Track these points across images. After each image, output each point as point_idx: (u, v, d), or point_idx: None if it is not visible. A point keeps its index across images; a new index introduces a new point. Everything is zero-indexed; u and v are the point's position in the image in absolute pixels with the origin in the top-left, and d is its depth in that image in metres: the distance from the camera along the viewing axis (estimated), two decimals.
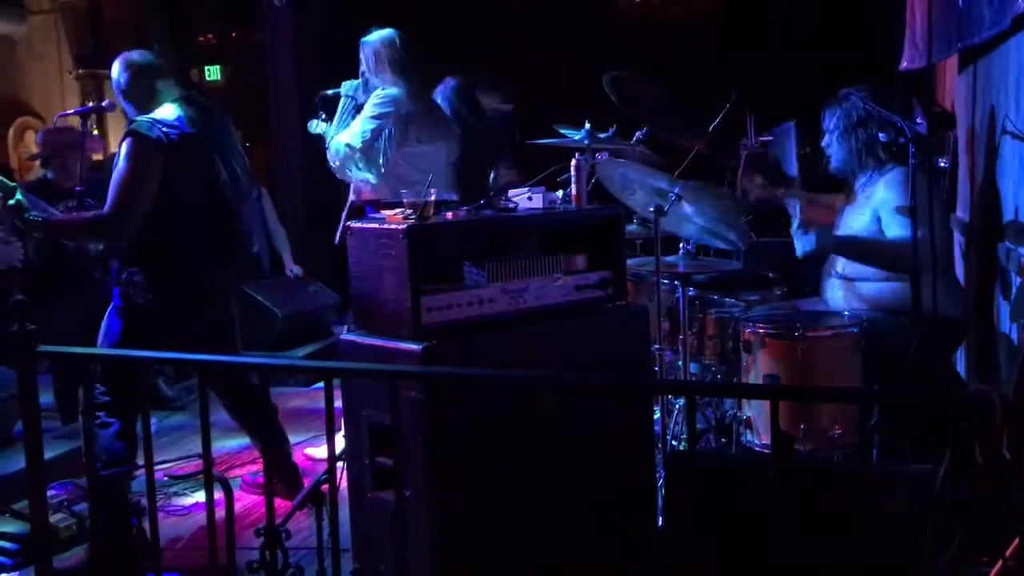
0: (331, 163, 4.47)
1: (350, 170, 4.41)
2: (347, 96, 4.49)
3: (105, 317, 3.69)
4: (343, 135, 4.39)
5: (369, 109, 4.36)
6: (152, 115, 3.63)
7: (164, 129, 3.56)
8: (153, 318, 3.59)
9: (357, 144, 4.32)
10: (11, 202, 3.55)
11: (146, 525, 2.95)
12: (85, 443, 3.62)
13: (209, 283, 3.76)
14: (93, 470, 3.58)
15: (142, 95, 3.75)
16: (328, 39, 8.13)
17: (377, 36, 4.46)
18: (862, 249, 3.73)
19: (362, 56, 4.49)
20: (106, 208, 3.53)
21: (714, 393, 4.05)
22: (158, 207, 3.54)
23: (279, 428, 4.21)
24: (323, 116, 4.59)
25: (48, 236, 4.59)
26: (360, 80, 4.50)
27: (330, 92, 4.57)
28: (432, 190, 2.96)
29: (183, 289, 3.66)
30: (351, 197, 4.57)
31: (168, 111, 3.67)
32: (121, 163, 3.53)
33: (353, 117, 4.44)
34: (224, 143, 3.82)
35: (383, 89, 4.39)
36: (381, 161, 4.33)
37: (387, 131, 4.31)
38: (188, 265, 3.65)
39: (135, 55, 3.83)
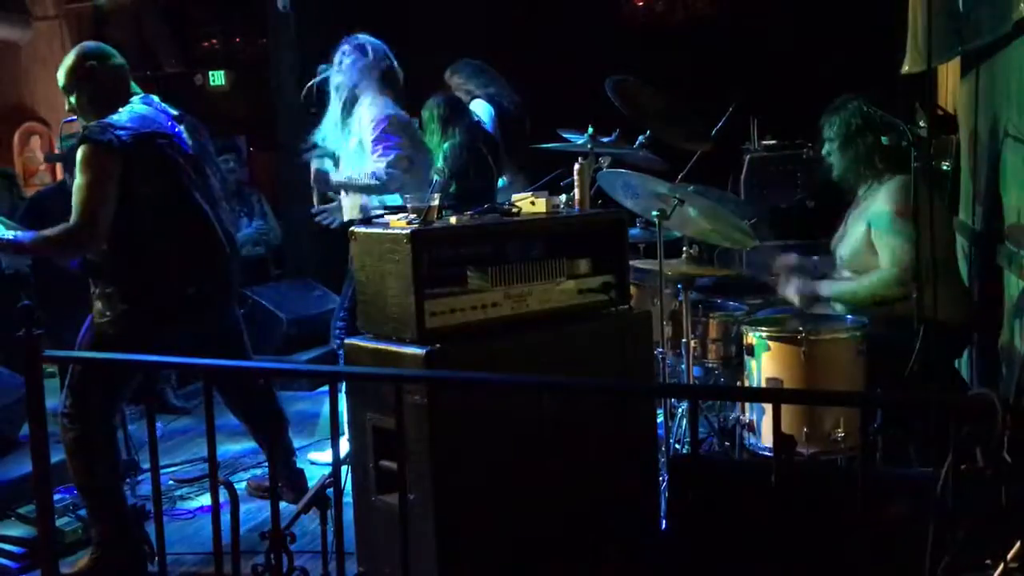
0: (315, 182, 4.51)
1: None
2: (330, 91, 4.52)
3: (83, 328, 3.63)
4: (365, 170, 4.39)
5: (386, 140, 4.38)
6: (105, 119, 3.49)
7: (116, 132, 3.43)
8: (130, 329, 3.50)
9: (384, 178, 4.34)
10: None
11: (151, 529, 2.97)
12: (66, 453, 3.56)
13: (185, 291, 3.61)
14: (81, 478, 3.56)
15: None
16: (332, 44, 8.15)
17: (369, 40, 4.49)
18: (844, 301, 3.80)
19: (347, 50, 4.51)
20: (71, 220, 3.41)
21: (717, 396, 4.04)
22: (121, 214, 3.43)
23: (286, 432, 4.22)
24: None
25: (20, 255, 4.51)
26: (334, 70, 4.52)
27: (316, 80, 4.60)
28: (435, 195, 2.97)
29: (158, 299, 3.55)
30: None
31: (121, 113, 3.54)
32: (78, 173, 3.42)
33: (345, 117, 4.46)
34: (192, 146, 3.69)
35: (387, 111, 4.40)
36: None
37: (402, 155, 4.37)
38: (160, 274, 3.55)
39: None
